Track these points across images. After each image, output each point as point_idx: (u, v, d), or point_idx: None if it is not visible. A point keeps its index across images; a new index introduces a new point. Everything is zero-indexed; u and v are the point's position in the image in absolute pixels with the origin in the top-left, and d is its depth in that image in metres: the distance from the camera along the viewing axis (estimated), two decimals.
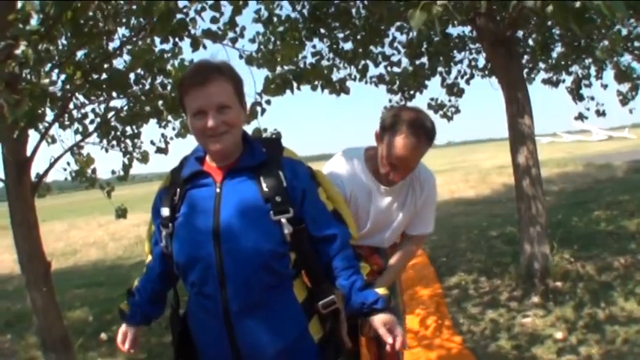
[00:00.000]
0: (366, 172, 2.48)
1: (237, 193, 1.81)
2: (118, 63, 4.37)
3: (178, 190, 1.87)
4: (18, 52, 2.91)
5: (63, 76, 4.03)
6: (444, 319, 4.97)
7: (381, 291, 1.88)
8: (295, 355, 1.83)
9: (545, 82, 8.91)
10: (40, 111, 3.58)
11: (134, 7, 3.52)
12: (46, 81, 3.19)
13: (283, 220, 1.76)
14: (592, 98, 8.67)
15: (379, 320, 1.83)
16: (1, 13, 3.58)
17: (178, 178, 1.90)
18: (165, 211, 1.86)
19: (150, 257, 2.06)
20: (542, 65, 8.41)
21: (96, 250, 13.46)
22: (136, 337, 2.08)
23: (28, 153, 4.11)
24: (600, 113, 8.71)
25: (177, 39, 4.12)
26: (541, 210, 5.51)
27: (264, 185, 1.79)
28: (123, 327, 2.08)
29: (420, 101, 8.18)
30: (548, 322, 4.61)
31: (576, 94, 8.51)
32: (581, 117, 8.74)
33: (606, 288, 5.18)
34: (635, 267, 5.66)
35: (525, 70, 7.68)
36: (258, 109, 4.84)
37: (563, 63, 8.12)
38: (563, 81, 8.83)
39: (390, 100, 8.31)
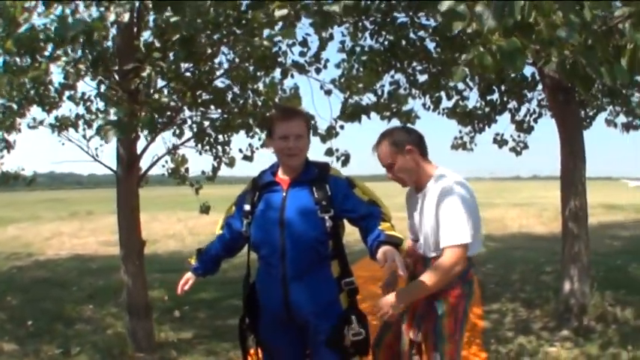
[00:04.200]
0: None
1: (297, 198, 2.66)
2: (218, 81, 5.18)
3: (257, 193, 2.76)
4: (144, 74, 3.72)
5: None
6: (476, 337, 5.38)
7: (386, 229, 2.53)
8: (327, 313, 2.63)
9: (608, 123, 9.03)
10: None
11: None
12: (165, 100, 4.01)
13: (326, 217, 2.58)
14: None
15: (380, 251, 2.37)
16: (127, 40, 4.44)
17: (257, 184, 2.79)
18: (247, 207, 2.74)
19: (221, 231, 2.95)
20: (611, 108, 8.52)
21: (174, 241, 14.42)
22: (194, 283, 2.97)
23: (138, 150, 4.98)
24: None
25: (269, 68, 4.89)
26: (583, 250, 5.74)
27: (315, 193, 2.63)
28: (188, 274, 2.99)
29: (489, 134, 8.55)
30: (572, 354, 4.86)
31: None
32: None
33: (638, 333, 5.33)
34: None
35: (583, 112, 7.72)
36: (333, 132, 5.60)
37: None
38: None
39: (460, 131, 8.92)
